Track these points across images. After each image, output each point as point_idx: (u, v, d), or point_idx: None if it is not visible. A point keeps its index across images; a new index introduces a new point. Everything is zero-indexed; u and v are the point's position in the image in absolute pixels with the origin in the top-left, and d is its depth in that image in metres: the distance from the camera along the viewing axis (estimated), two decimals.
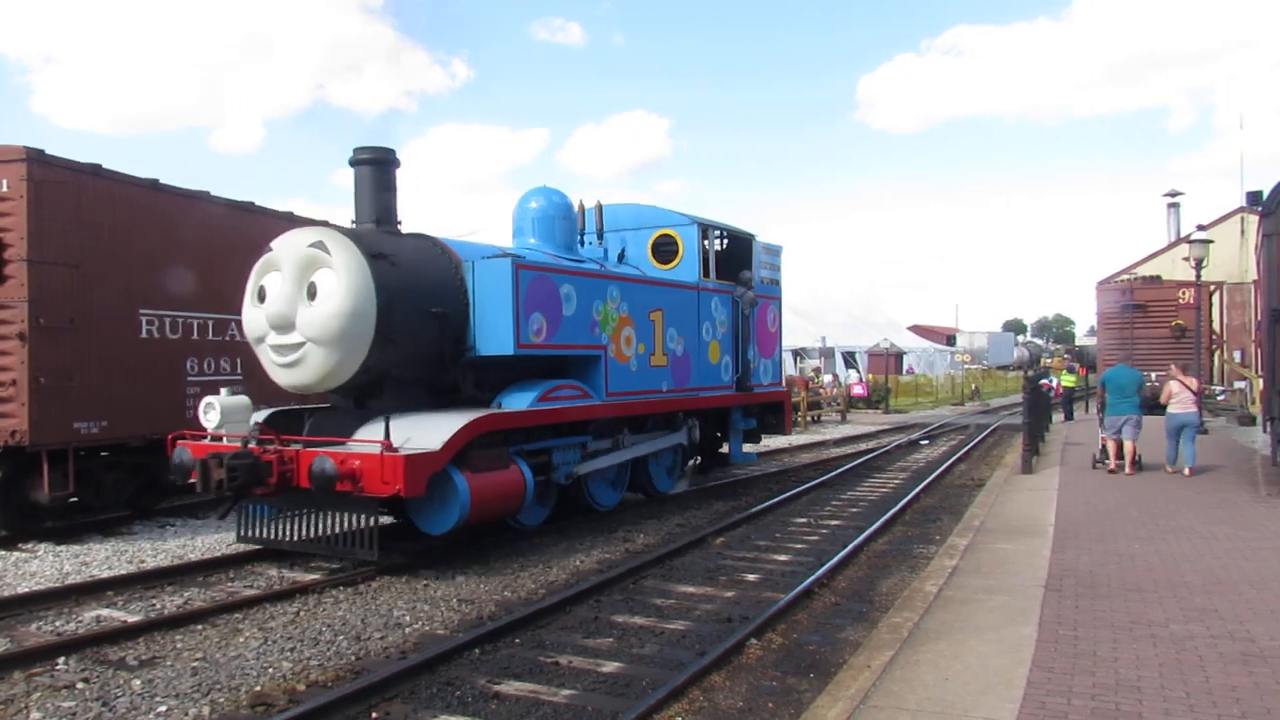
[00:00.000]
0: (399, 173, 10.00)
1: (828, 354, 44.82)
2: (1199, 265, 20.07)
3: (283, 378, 9.20)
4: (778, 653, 6.54)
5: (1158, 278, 30.47)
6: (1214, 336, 29.26)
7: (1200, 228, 21.93)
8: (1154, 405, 14.55)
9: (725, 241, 13.88)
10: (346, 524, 8.63)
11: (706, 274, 12.87)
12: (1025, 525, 9.95)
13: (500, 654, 6.45)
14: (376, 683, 5.62)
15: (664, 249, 12.83)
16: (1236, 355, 29.08)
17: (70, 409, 10.01)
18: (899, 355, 54.59)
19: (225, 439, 9.23)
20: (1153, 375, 21.32)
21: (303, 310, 8.79)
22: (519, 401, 9.79)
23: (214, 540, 10.40)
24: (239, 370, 12.09)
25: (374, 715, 5.39)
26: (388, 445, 8.13)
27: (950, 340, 73.52)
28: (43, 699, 5.60)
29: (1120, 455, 13.83)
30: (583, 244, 12.35)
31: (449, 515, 8.65)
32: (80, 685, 5.82)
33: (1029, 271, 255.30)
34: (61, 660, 6.26)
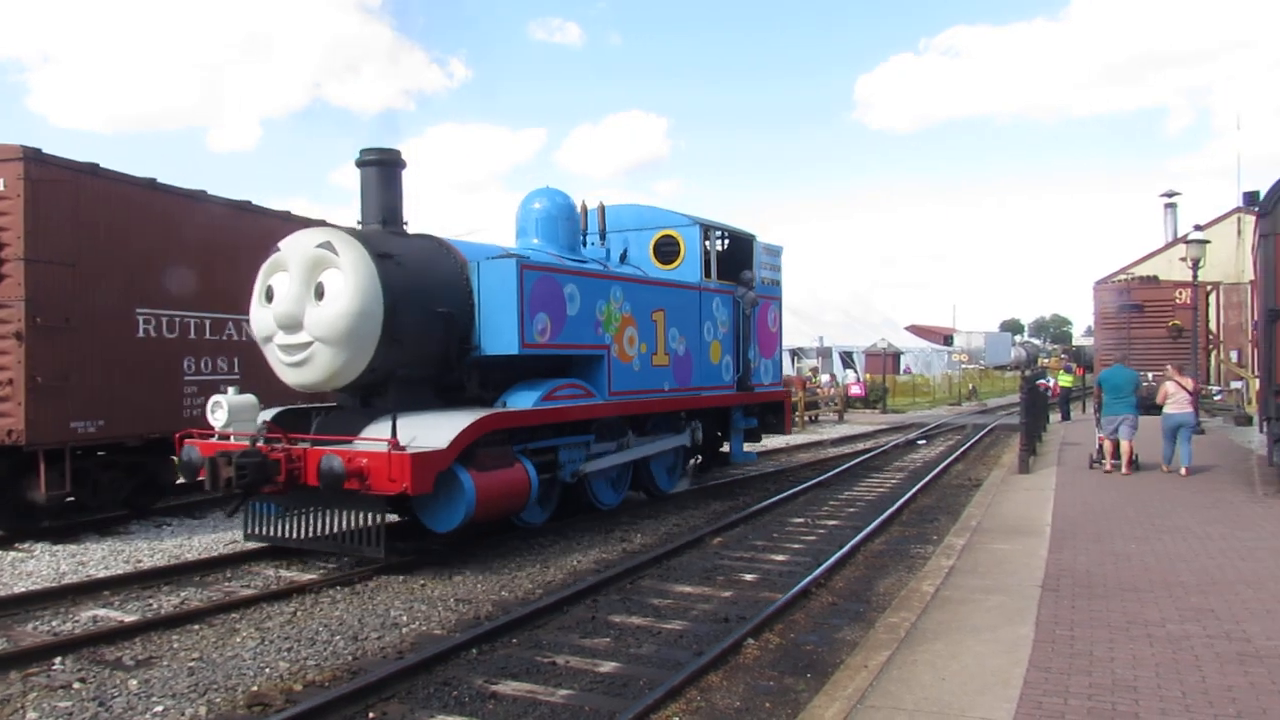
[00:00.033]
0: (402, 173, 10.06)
1: (825, 354, 44.86)
2: (1196, 265, 20.10)
3: (290, 377, 9.28)
4: (775, 653, 6.55)
5: (1155, 278, 30.51)
6: (1210, 336, 29.29)
7: (1197, 228, 22.00)
8: (1150, 405, 14.58)
9: (726, 242, 13.96)
10: (353, 522, 8.68)
11: (708, 274, 12.95)
12: (1022, 525, 9.96)
13: (497, 654, 6.45)
14: (374, 683, 5.62)
15: (666, 249, 12.90)
16: (1233, 355, 29.10)
17: (67, 408, 9.99)
18: (896, 355, 54.66)
19: (233, 437, 9.27)
20: (1149, 375, 21.35)
21: (310, 310, 8.88)
22: (523, 400, 9.86)
23: (211, 540, 10.40)
24: (236, 369, 12.08)
25: (371, 715, 5.38)
26: (395, 444, 8.18)
27: (947, 340, 73.60)
28: (39, 699, 5.60)
29: (1117, 455, 13.88)
30: (585, 244, 12.41)
31: (455, 513, 8.72)
32: (77, 685, 5.81)
33: (1026, 271, 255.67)
34: (58, 660, 6.25)
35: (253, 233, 12.49)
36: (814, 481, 14.94)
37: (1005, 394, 51.22)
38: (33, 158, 9.74)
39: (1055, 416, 26.09)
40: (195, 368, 11.58)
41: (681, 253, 12.80)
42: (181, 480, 12.83)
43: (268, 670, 6.12)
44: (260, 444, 8.73)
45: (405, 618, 7.36)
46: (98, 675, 5.99)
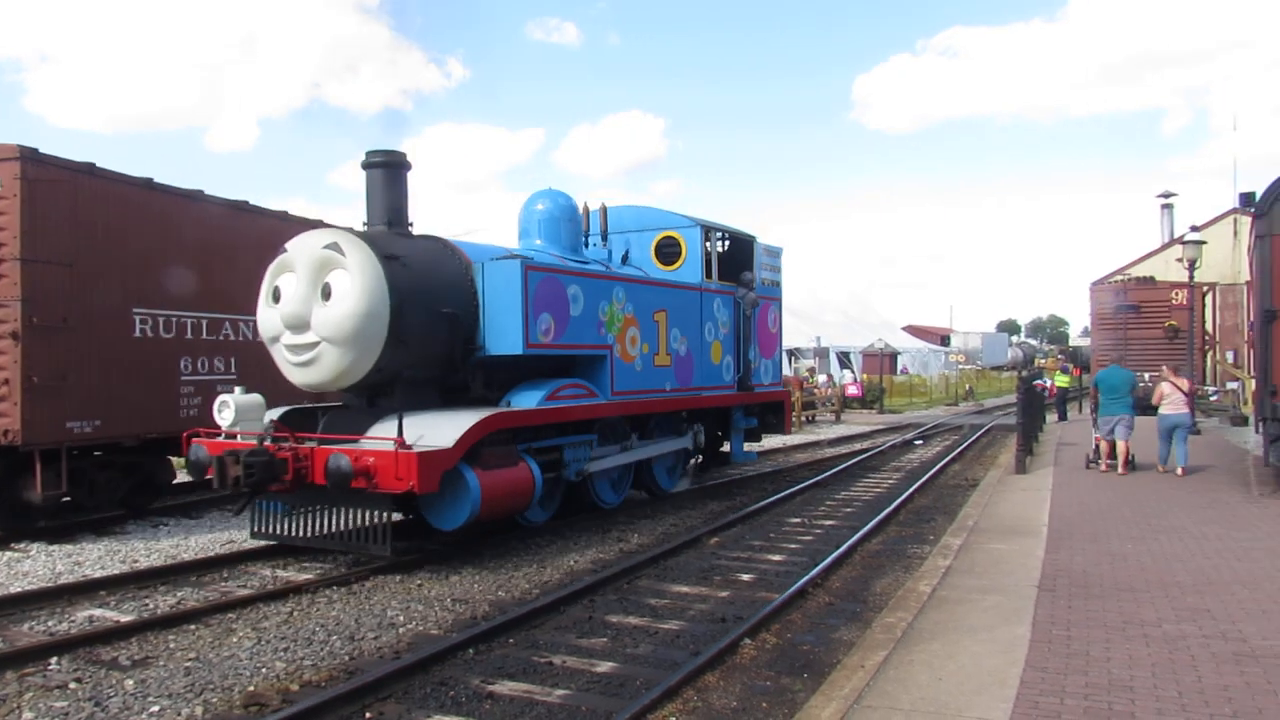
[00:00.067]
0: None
1: (822, 354, 44.90)
2: (1192, 266, 20.12)
3: (297, 376, 9.35)
4: (772, 653, 6.55)
5: (1151, 278, 30.57)
6: (1207, 337, 29.35)
7: (1194, 229, 22.00)
8: (1147, 406, 14.61)
9: (727, 243, 14.04)
10: (358, 520, 8.74)
11: (709, 275, 13.04)
12: (1019, 525, 9.97)
13: (494, 654, 6.44)
14: (370, 683, 5.62)
15: (667, 250, 12.97)
16: (1229, 356, 29.17)
17: (63, 408, 9.98)
18: (893, 355, 54.70)
19: (239, 436, 9.32)
20: (1146, 376, 21.38)
21: (317, 310, 8.95)
22: (528, 400, 9.93)
23: (207, 540, 10.39)
24: (233, 369, 12.07)
25: (368, 715, 5.38)
26: (401, 443, 8.25)
27: (945, 340, 73.66)
28: (35, 699, 5.59)
29: (1113, 455, 13.91)
30: (587, 245, 12.46)
31: (460, 511, 8.79)
32: (73, 685, 5.80)
33: (1023, 272, 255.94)
34: (54, 660, 6.24)
35: (250, 233, 12.49)
36: (811, 482, 14.95)
37: (1002, 394, 51.27)
38: (30, 157, 9.72)
39: (1052, 417, 26.12)
40: (192, 368, 11.57)
41: (683, 254, 12.87)
42: (179, 480, 12.85)
43: (264, 670, 6.11)
44: (268, 443, 8.80)
45: (402, 618, 7.35)
46: (94, 675, 5.98)
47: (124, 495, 11.37)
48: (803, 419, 27.83)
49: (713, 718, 5.42)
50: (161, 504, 12.13)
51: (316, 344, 8.99)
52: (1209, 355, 30.01)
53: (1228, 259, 33.20)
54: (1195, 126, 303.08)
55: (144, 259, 10.94)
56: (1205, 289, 28.65)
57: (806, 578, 8.31)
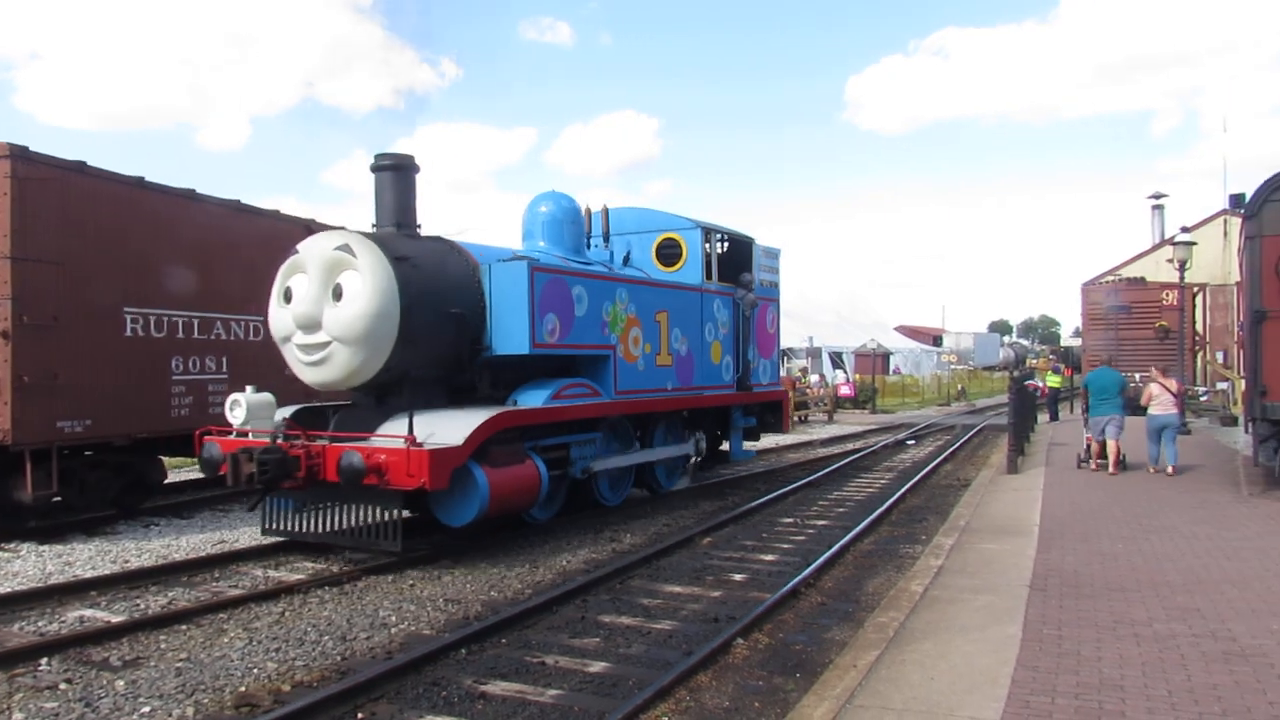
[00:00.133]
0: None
1: (815, 354, 44.96)
2: (1183, 267, 20.21)
3: (308, 375, 9.49)
4: (764, 652, 6.56)
5: (1142, 279, 30.67)
6: (1197, 338, 29.47)
7: (1184, 230, 22.09)
8: (1137, 406, 14.69)
9: (726, 245, 14.18)
10: (369, 517, 8.88)
11: (709, 276, 13.19)
12: (1010, 525, 10.00)
13: (487, 654, 6.44)
14: (362, 683, 5.60)
15: (668, 252, 13.12)
16: (1219, 356, 29.30)
17: (54, 408, 9.93)
18: (886, 356, 54.80)
19: (250, 434, 9.40)
20: (1137, 376, 21.47)
21: (329, 311, 9.08)
22: (534, 399, 10.07)
23: (198, 540, 10.36)
24: (225, 369, 12.04)
25: (360, 716, 5.37)
26: (413, 440, 8.37)
27: (937, 341, 73.84)
28: (25, 700, 5.56)
29: (1104, 455, 13.98)
30: (589, 247, 12.59)
31: (469, 508, 8.91)
32: (63, 686, 5.78)
33: (1015, 272, 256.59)
34: (44, 661, 6.22)
35: (242, 231, 12.47)
36: (803, 481, 14.97)
37: (994, 394, 51.40)
38: (19, 156, 9.67)
39: (1043, 417, 26.20)
40: (183, 367, 11.53)
41: (683, 255, 13.01)
42: (170, 480, 12.80)
43: (256, 671, 6.10)
44: (280, 441, 8.92)
45: (394, 618, 7.34)
46: (84, 676, 5.96)
47: (115, 495, 11.32)
48: (795, 419, 27.85)
49: (705, 717, 5.43)
50: (152, 504, 12.08)
51: (328, 343, 9.14)
52: (1199, 356, 30.13)
53: (1218, 260, 33.34)
54: (1185, 128, 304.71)
55: (135, 258, 10.90)
56: (1195, 290, 28.78)
57: (799, 578, 8.32)
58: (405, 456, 8.33)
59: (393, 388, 9.67)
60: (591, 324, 10.71)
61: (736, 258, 14.22)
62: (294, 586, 8.14)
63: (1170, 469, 13.47)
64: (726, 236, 14.09)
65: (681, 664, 6.00)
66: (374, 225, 10.01)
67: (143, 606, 7.66)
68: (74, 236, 10.19)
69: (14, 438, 9.57)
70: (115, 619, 7.20)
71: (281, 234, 13.06)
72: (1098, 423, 13.98)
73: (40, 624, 7.17)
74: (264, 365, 12.45)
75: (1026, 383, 23.99)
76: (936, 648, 5.83)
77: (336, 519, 9.16)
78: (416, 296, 9.24)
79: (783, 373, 36.08)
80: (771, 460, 18.91)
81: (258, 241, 12.63)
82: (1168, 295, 26.39)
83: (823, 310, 57.87)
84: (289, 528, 9.50)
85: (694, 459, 14.03)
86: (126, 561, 9.33)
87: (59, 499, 10.45)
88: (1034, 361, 63.81)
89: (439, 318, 9.48)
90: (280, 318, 9.53)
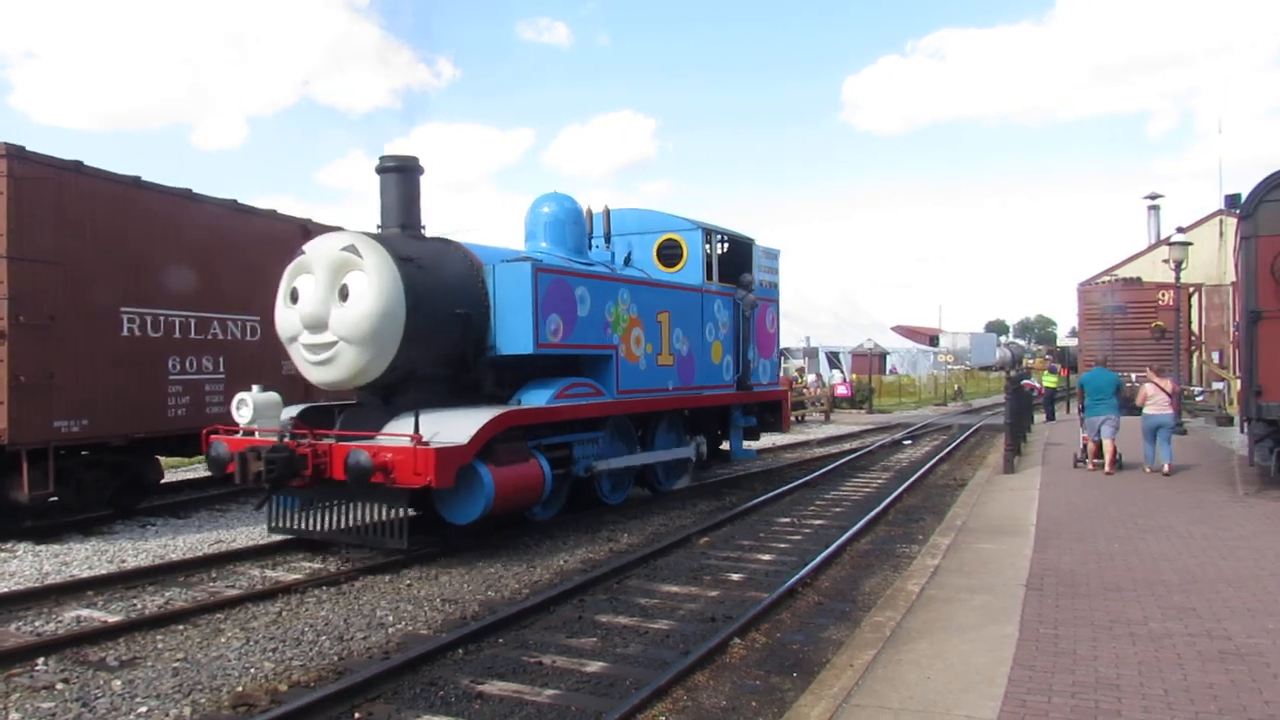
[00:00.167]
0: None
1: (812, 354, 44.98)
2: (1178, 267, 20.24)
3: (315, 375, 9.57)
4: (761, 652, 6.57)
5: (1138, 279, 30.73)
6: (1193, 338, 29.53)
7: (1180, 230, 22.14)
8: (1133, 406, 14.73)
9: (726, 245, 14.29)
10: (375, 515, 8.96)
11: (710, 277, 13.31)
12: (1007, 525, 10.02)
13: (484, 654, 6.44)
14: (359, 683, 5.61)
15: (669, 253, 13.23)
16: (1215, 356, 29.35)
17: (50, 407, 9.92)
18: (882, 355, 54.84)
19: (257, 433, 9.46)
20: (1133, 377, 21.51)
21: (335, 311, 9.16)
22: (538, 398, 10.16)
23: (195, 540, 10.35)
24: (221, 369, 12.03)
25: (357, 715, 5.37)
26: (419, 439, 8.45)
27: (933, 341, 73.89)
28: (22, 699, 5.56)
29: (1100, 455, 14.02)
30: (590, 247, 12.66)
31: (475, 506, 9.00)
32: (60, 686, 5.77)
33: (1012, 272, 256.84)
34: (41, 661, 6.21)
35: (239, 231, 12.47)
36: (800, 481, 14.98)
37: (990, 394, 51.44)
38: (15, 155, 9.66)
39: (1040, 417, 26.24)
40: (180, 367, 11.52)
41: (684, 256, 13.13)
42: (166, 480, 12.79)
43: (253, 670, 6.10)
44: (287, 439, 8.99)
45: (391, 618, 7.34)
46: (81, 676, 5.95)
47: (111, 495, 11.32)
48: (793, 419, 27.85)
49: (702, 717, 5.43)
50: (149, 504, 12.07)
51: (334, 343, 9.22)
52: (1195, 356, 30.19)
53: (1213, 260, 33.43)
54: (1181, 129, 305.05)
55: (132, 257, 10.89)
56: (1191, 290, 28.83)
57: (796, 577, 8.33)
58: (412, 455, 8.41)
59: (398, 387, 9.75)
60: (594, 324, 10.79)
61: (737, 258, 14.33)
62: (291, 586, 8.14)
63: (1166, 467, 13.51)
64: (727, 237, 14.19)
65: (679, 664, 6.01)
66: (379, 226, 10.09)
67: (139, 606, 7.66)
68: (70, 236, 10.18)
69: (10, 437, 9.56)
70: (112, 619, 7.20)
71: (278, 234, 13.07)
72: (1093, 423, 14.04)
73: (37, 624, 7.16)
74: (261, 365, 12.47)
75: (1023, 382, 24.03)
76: (933, 647, 5.84)
77: (342, 517, 9.25)
78: (422, 297, 9.32)
79: (780, 372, 36.20)
80: (768, 460, 18.92)
81: (255, 241, 12.64)
82: (1164, 295, 26.44)
83: (820, 310, 57.89)
84: (295, 525, 9.58)
85: (693, 462, 14.11)
86: (123, 561, 9.32)
87: (55, 499, 10.44)
88: (1030, 361, 63.87)
89: (444, 318, 9.57)
90: (287, 318, 9.61)
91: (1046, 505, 11.11)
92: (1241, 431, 13.99)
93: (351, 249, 9.18)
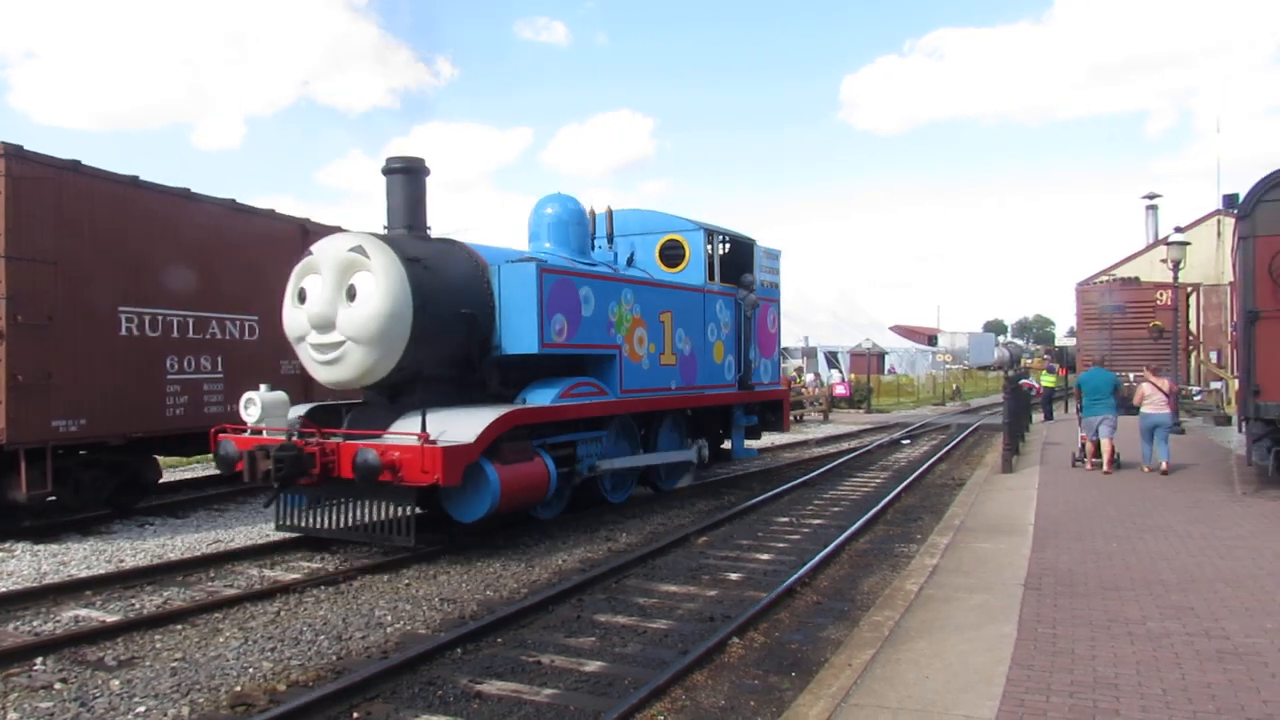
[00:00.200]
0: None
1: (810, 354, 45.00)
2: (1176, 267, 20.27)
3: (322, 374, 9.64)
4: (760, 651, 6.57)
5: (1136, 279, 30.78)
6: (1191, 337, 29.56)
7: (1178, 230, 22.17)
8: (1129, 406, 14.75)
9: (728, 246, 14.39)
10: (382, 513, 9.07)
11: (711, 277, 13.41)
12: (1005, 524, 10.02)
13: (482, 653, 6.44)
14: (358, 682, 5.60)
15: (671, 253, 13.33)
16: (1213, 356, 29.39)
17: (48, 407, 9.92)
18: (881, 355, 54.89)
19: (265, 432, 9.52)
20: (1130, 376, 21.53)
21: (343, 311, 9.23)
22: (542, 398, 10.23)
23: (194, 540, 10.34)
24: (220, 368, 12.02)
25: (355, 715, 5.37)
26: (426, 438, 8.53)
27: (932, 340, 73.93)
28: (20, 699, 5.56)
29: (1098, 454, 14.04)
30: (593, 248, 12.73)
31: (481, 504, 9.08)
32: (58, 686, 5.77)
33: (1010, 272, 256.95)
34: (39, 660, 6.21)
35: (238, 231, 12.46)
36: (799, 481, 14.99)
37: (989, 394, 51.46)
38: (14, 155, 9.65)
39: (1038, 416, 26.26)
40: (178, 366, 11.51)
41: (686, 256, 13.22)
42: (165, 480, 12.77)
43: (251, 670, 6.09)
44: (295, 438, 9.06)
45: (390, 617, 7.34)
46: (79, 675, 5.95)
47: (109, 495, 11.31)
48: (791, 419, 27.87)
49: (701, 716, 5.43)
50: (147, 504, 12.07)
51: (342, 343, 9.28)
52: (1193, 355, 30.23)
53: (1211, 260, 33.47)
54: (1179, 129, 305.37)
55: (130, 257, 10.88)
56: (1189, 289, 28.87)
57: (794, 577, 8.33)
58: (419, 454, 8.50)
59: (405, 387, 9.82)
60: (598, 324, 10.87)
61: (738, 259, 14.43)
62: (290, 586, 8.13)
63: (1164, 466, 13.54)
64: (728, 238, 14.30)
65: (677, 663, 6.01)
66: (385, 227, 10.14)
67: (138, 606, 7.65)
68: (69, 236, 10.17)
69: (8, 437, 9.55)
70: (110, 619, 7.19)
71: (277, 233, 13.07)
72: (1091, 423, 14.07)
73: (35, 624, 7.15)
74: (260, 365, 12.47)
75: (1021, 382, 24.04)
76: (932, 646, 5.85)
77: (349, 515, 9.32)
78: (428, 297, 9.39)
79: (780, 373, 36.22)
80: (767, 460, 18.93)
81: (254, 241, 12.64)
82: (1162, 295, 26.47)
83: (818, 310, 57.91)
84: (302, 524, 9.64)
85: (695, 464, 14.17)
86: (121, 561, 9.31)
87: (54, 498, 10.43)
88: (1029, 361, 63.89)
89: (450, 318, 9.65)
90: (295, 318, 9.68)
91: (1045, 505, 11.12)
92: (1239, 431, 14.00)
93: (359, 250, 9.25)
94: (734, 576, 8.75)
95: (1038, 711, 4.71)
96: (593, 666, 6.17)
